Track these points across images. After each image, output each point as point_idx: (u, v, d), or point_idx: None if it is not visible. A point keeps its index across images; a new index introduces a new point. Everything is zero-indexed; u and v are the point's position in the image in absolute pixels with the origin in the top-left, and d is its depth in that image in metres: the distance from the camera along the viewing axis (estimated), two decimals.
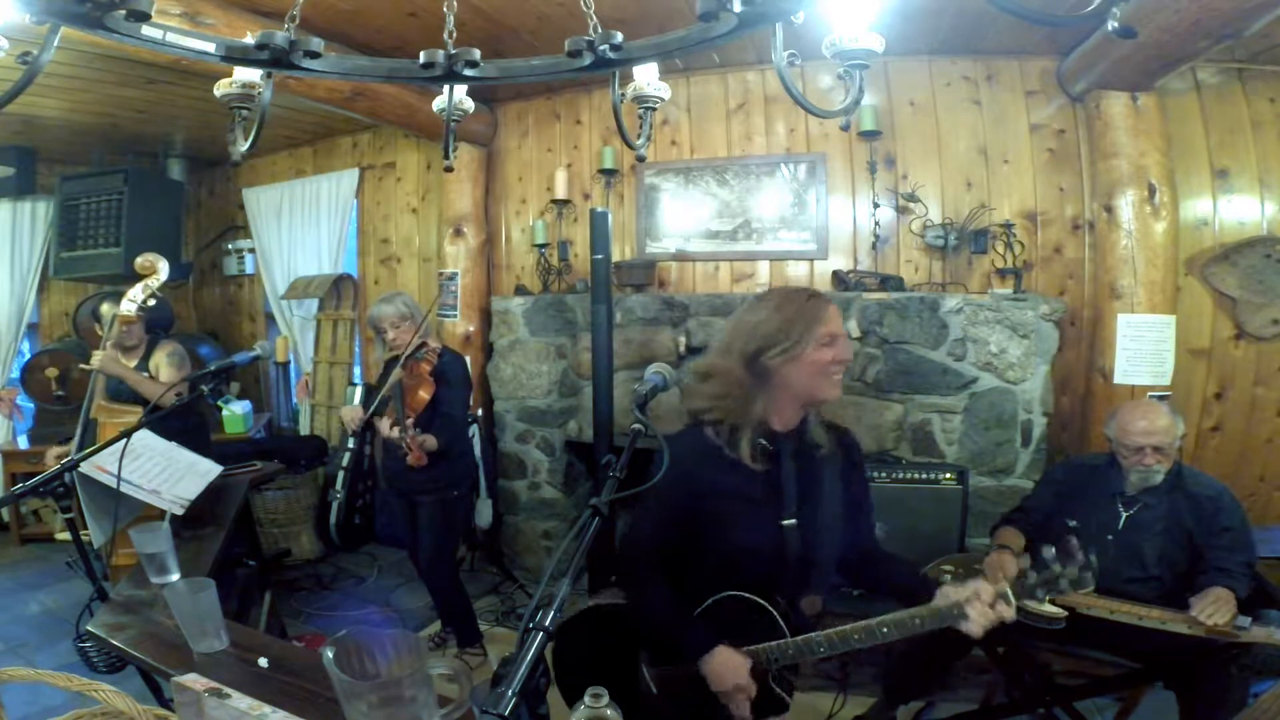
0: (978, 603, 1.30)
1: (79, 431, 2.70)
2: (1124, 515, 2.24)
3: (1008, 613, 1.30)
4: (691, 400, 1.53)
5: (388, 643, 1.00)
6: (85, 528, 2.09)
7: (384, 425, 2.73)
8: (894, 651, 2.64)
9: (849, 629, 1.39)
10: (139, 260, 2.69)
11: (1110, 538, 2.24)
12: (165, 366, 3.00)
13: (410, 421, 2.70)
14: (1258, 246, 3.07)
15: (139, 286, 2.66)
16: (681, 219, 3.81)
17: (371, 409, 2.85)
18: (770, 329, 1.42)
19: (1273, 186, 3.09)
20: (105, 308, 2.99)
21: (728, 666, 1.39)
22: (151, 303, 2.73)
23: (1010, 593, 1.31)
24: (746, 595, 1.44)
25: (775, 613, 1.44)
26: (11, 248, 4.72)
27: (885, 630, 1.36)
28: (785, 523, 1.45)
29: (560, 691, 1.58)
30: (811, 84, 3.49)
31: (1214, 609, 1.91)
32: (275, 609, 3.13)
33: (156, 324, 3.13)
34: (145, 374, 2.98)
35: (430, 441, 2.70)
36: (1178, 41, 2.44)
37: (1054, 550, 1.33)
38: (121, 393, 2.85)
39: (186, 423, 2.95)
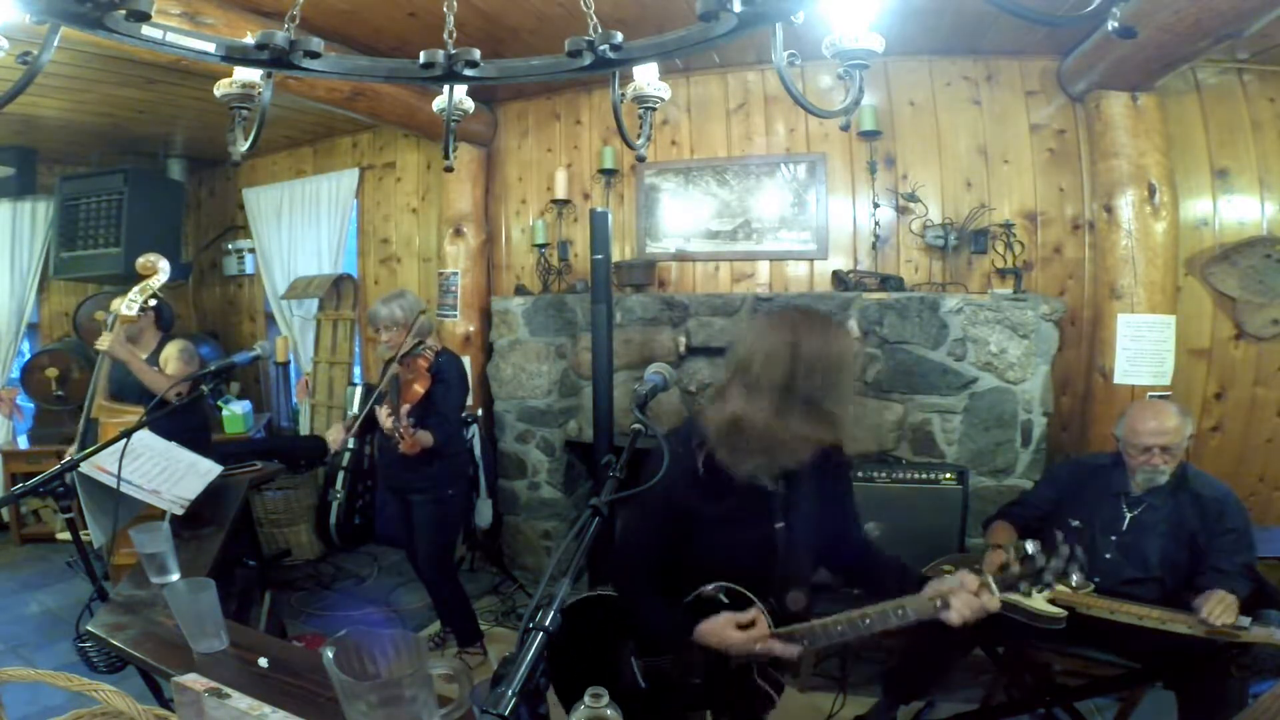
0: (962, 592, 1.31)
1: (80, 431, 2.71)
2: (1128, 515, 2.24)
3: (991, 603, 1.30)
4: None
5: (388, 643, 1.00)
6: (85, 528, 2.10)
7: (382, 414, 2.75)
8: (894, 651, 2.64)
9: (831, 620, 1.41)
10: (140, 261, 2.71)
11: (1114, 538, 2.24)
12: (174, 361, 3.02)
13: (405, 411, 2.72)
14: (1258, 246, 3.06)
15: (141, 285, 2.68)
16: (681, 219, 3.81)
17: (358, 421, 2.87)
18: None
19: (1273, 186, 3.09)
20: (115, 302, 3.01)
21: (716, 624, 1.41)
22: (153, 303, 2.74)
23: (993, 582, 1.32)
24: (737, 588, 1.47)
25: (762, 607, 1.46)
26: (11, 248, 4.72)
27: (868, 621, 1.38)
28: (776, 525, 1.49)
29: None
30: (811, 84, 3.48)
31: (1221, 610, 1.91)
32: (275, 609, 3.14)
33: (162, 323, 3.15)
34: (154, 367, 2.99)
35: (425, 437, 2.70)
36: (1178, 41, 2.44)
37: (1039, 544, 1.33)
38: (123, 393, 2.85)
39: (191, 422, 2.95)
